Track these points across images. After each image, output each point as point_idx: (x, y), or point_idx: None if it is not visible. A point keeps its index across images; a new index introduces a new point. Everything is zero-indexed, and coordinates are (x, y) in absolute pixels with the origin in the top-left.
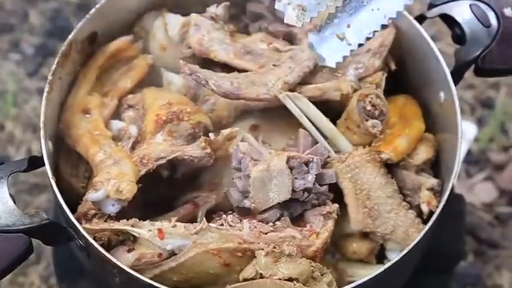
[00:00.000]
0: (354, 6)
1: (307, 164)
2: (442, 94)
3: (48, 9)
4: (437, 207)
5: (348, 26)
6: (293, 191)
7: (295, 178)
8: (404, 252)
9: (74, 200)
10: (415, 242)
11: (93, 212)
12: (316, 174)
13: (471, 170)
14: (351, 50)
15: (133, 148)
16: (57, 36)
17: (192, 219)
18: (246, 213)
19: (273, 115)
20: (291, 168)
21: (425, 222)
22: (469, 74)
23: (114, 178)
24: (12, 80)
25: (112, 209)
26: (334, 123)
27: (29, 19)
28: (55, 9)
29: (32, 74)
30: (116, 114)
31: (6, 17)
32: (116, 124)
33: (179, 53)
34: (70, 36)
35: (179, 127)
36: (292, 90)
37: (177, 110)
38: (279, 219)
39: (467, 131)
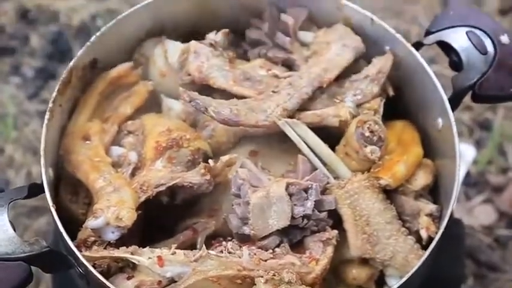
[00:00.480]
0: None
1: (306, 190)
2: (440, 120)
3: (48, 33)
4: (436, 233)
5: None
6: (292, 217)
7: (295, 205)
8: (404, 279)
9: (73, 225)
10: (414, 268)
11: (92, 239)
12: (315, 201)
13: (470, 192)
14: None
15: (133, 174)
16: (57, 59)
17: (192, 245)
18: (245, 239)
19: (272, 141)
20: (290, 195)
21: (424, 247)
22: (466, 96)
23: (114, 205)
24: (13, 103)
25: (112, 236)
26: (333, 149)
27: (29, 42)
28: (55, 33)
29: (32, 97)
30: (116, 140)
31: (7, 40)
32: (116, 150)
33: (179, 80)
34: (71, 64)
35: (179, 153)
36: (291, 116)
37: (176, 136)
38: (278, 245)
39: (465, 153)
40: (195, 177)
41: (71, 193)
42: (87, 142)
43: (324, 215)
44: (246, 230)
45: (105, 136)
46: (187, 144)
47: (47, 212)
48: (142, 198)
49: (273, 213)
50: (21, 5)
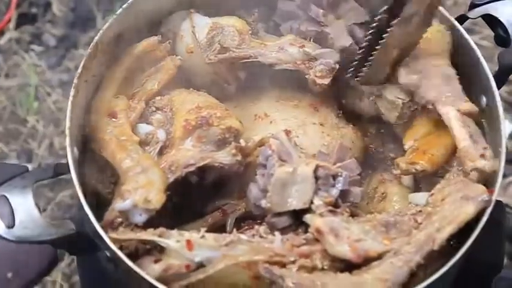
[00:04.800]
0: None
1: (334, 177)
2: (484, 98)
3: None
4: (478, 219)
5: None
6: (312, 202)
7: (319, 189)
8: (445, 268)
9: (99, 204)
10: (455, 259)
11: (119, 220)
12: (341, 190)
13: (506, 169)
14: None
15: (161, 153)
16: (79, 27)
17: (221, 228)
18: (259, 212)
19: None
20: (317, 178)
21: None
22: None
23: (142, 187)
24: (34, 72)
25: (140, 218)
26: None
27: (51, 9)
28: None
29: (54, 66)
30: (143, 117)
31: (27, 7)
32: (144, 128)
33: (206, 58)
34: (96, 38)
35: (209, 132)
36: None
37: (206, 114)
38: (287, 228)
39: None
40: (226, 157)
41: (96, 171)
42: (114, 120)
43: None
44: (263, 202)
45: (131, 113)
46: (217, 123)
47: (70, 185)
48: (171, 179)
49: (294, 192)
50: None
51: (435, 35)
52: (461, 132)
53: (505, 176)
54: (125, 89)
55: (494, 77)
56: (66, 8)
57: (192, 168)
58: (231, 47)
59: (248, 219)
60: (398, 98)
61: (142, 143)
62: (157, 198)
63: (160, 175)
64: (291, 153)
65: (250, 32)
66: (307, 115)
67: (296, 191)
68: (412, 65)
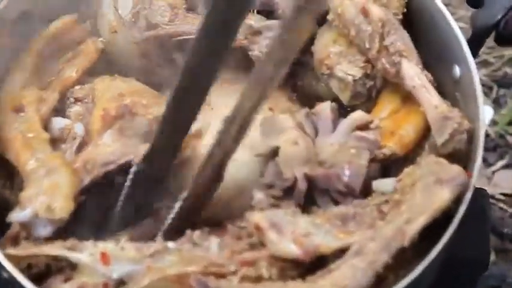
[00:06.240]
0: None
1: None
2: (457, 69)
3: None
4: (456, 208)
5: None
6: None
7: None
8: (422, 266)
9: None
10: (434, 253)
11: (24, 234)
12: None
13: (489, 157)
14: None
15: (79, 151)
16: None
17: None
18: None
19: None
20: None
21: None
22: (482, 49)
23: (45, 193)
24: None
25: (44, 231)
26: None
27: None
28: None
29: None
30: (61, 111)
31: None
32: (59, 122)
33: (131, 37)
34: None
35: (133, 124)
36: None
37: (129, 102)
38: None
39: None
40: None
41: (4, 177)
42: (21, 115)
43: None
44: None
45: (42, 106)
46: (143, 112)
47: None
48: (87, 181)
49: None
50: None
51: None
52: (431, 94)
53: (489, 165)
54: (37, 79)
55: (468, 42)
56: None
57: (111, 167)
58: (160, 24)
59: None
60: (348, 74)
61: (58, 141)
62: (62, 206)
63: (68, 178)
64: None
65: (185, 6)
66: None
67: None
68: None
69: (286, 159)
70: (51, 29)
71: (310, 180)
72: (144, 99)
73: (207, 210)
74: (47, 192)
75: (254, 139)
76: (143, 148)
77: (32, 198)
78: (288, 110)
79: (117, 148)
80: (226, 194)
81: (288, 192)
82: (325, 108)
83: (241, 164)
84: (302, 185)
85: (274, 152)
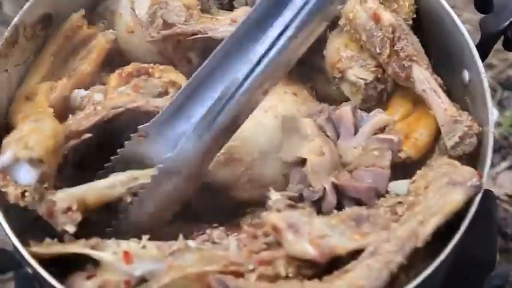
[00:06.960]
0: None
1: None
2: (466, 73)
3: None
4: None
5: None
6: None
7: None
8: (435, 264)
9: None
10: (446, 251)
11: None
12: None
13: (493, 158)
14: None
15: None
16: None
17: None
18: None
19: None
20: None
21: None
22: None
23: (25, 135)
24: None
25: (28, 177)
26: None
27: None
28: None
29: None
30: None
31: None
32: (81, 92)
33: (147, 36)
34: (15, 20)
35: (147, 83)
36: None
37: (147, 65)
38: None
39: None
40: (165, 102)
41: None
42: (32, 102)
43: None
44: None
45: (53, 92)
46: (159, 75)
47: None
48: (93, 120)
49: None
50: None
51: None
52: (441, 97)
53: (493, 165)
54: (54, 78)
55: (477, 47)
56: None
57: (120, 110)
58: (176, 23)
59: (201, 223)
60: (360, 78)
61: (77, 109)
62: (37, 141)
63: (52, 124)
64: None
65: (199, 7)
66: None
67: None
68: None
69: (314, 171)
70: (64, 28)
71: (338, 189)
72: (161, 66)
73: (228, 170)
74: (27, 135)
75: (277, 108)
76: (153, 101)
77: (11, 142)
78: (309, 100)
79: (131, 98)
80: (249, 156)
81: (317, 203)
82: (346, 112)
83: (264, 127)
84: (332, 198)
85: (300, 161)
